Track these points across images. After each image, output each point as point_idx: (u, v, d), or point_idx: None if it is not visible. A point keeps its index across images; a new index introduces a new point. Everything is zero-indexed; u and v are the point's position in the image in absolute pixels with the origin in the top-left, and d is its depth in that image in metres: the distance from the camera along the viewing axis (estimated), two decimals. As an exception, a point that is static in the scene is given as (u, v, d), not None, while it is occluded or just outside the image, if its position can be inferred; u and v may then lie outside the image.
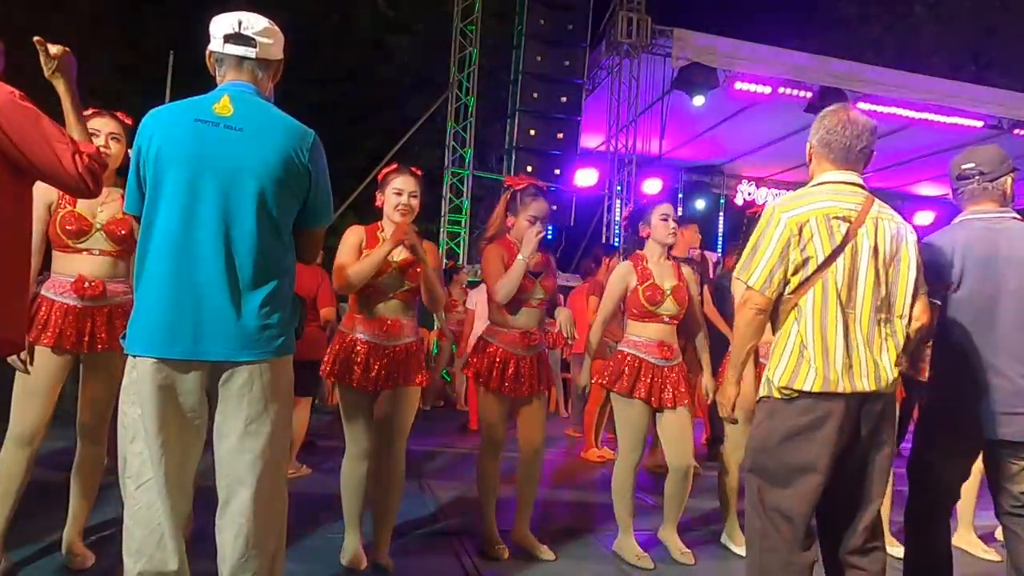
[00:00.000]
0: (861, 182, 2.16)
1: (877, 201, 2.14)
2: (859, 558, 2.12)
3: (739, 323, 2.16)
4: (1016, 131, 9.97)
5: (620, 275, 3.32)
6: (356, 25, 12.76)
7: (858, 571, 2.12)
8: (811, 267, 2.05)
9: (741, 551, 3.37)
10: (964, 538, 3.74)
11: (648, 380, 3.20)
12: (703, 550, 3.37)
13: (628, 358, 3.25)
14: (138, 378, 1.79)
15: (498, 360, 3.06)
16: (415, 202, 2.87)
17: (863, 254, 2.06)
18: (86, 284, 2.60)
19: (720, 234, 13.78)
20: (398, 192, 2.84)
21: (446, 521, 3.64)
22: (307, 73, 11.71)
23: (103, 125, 2.65)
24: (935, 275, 2.35)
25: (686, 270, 3.43)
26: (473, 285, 7.72)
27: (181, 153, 1.80)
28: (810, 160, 2.24)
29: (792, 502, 2.06)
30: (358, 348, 2.79)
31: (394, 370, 2.79)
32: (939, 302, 2.35)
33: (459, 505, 3.87)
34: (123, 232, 2.65)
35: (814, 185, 2.18)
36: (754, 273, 2.08)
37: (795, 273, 2.06)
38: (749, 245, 2.13)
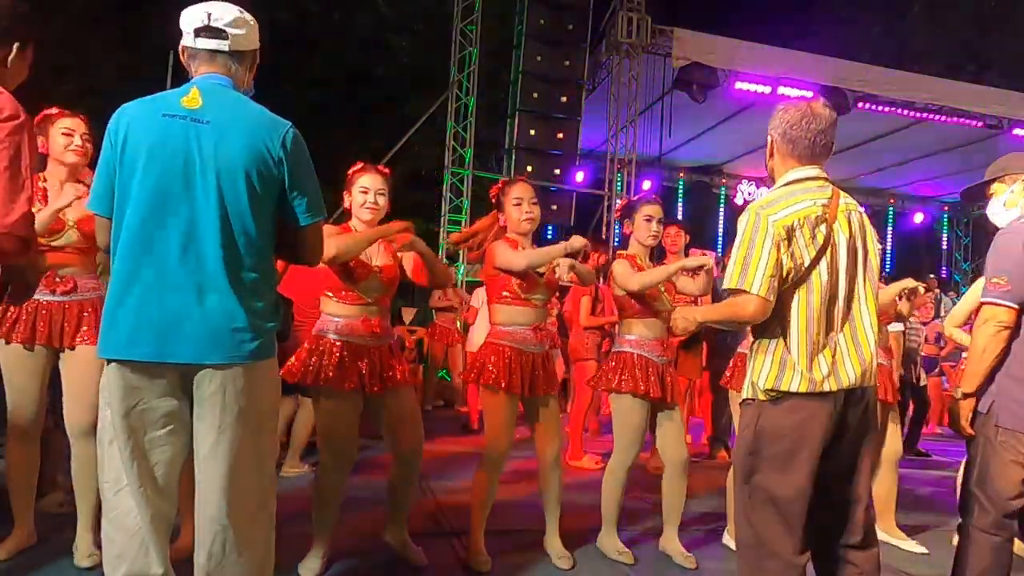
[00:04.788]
0: (825, 175, 2.12)
1: (840, 191, 2.12)
2: (856, 554, 2.11)
3: (740, 319, 2.10)
4: (1016, 131, 9.96)
5: (627, 266, 3.21)
6: (356, 25, 12.76)
7: (854, 567, 2.10)
8: (799, 271, 2.03)
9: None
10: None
11: (655, 378, 3.17)
12: (703, 550, 3.36)
13: (633, 357, 3.21)
14: (107, 381, 1.75)
15: (502, 359, 2.98)
16: (382, 200, 2.84)
17: (840, 250, 2.07)
18: (57, 279, 2.68)
19: (720, 234, 13.78)
20: (364, 191, 2.81)
21: (446, 521, 3.65)
22: (307, 73, 11.71)
23: (76, 125, 2.74)
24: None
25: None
26: (472, 285, 7.72)
27: (147, 149, 1.74)
28: (771, 155, 2.17)
29: (786, 503, 2.03)
30: (344, 352, 2.71)
31: (385, 371, 2.78)
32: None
33: (459, 505, 3.85)
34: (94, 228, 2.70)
35: (786, 184, 2.12)
36: (755, 281, 2.00)
37: (785, 276, 2.04)
38: (740, 253, 2.04)
